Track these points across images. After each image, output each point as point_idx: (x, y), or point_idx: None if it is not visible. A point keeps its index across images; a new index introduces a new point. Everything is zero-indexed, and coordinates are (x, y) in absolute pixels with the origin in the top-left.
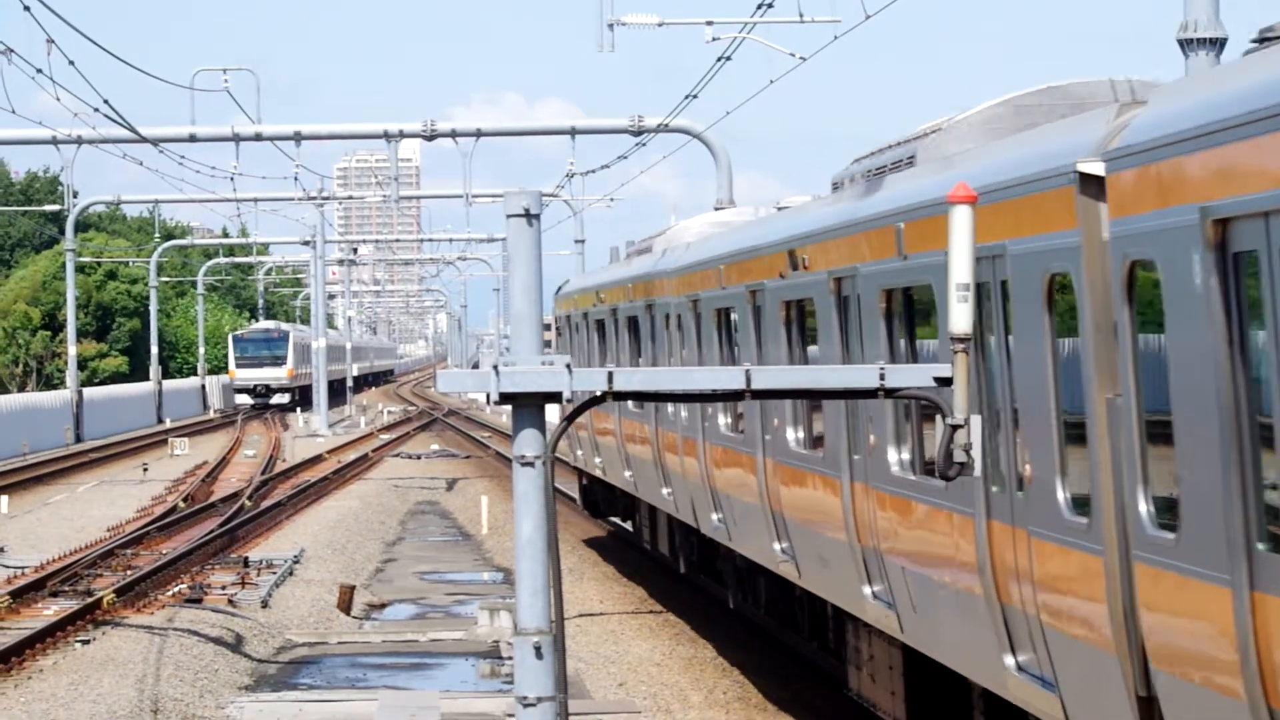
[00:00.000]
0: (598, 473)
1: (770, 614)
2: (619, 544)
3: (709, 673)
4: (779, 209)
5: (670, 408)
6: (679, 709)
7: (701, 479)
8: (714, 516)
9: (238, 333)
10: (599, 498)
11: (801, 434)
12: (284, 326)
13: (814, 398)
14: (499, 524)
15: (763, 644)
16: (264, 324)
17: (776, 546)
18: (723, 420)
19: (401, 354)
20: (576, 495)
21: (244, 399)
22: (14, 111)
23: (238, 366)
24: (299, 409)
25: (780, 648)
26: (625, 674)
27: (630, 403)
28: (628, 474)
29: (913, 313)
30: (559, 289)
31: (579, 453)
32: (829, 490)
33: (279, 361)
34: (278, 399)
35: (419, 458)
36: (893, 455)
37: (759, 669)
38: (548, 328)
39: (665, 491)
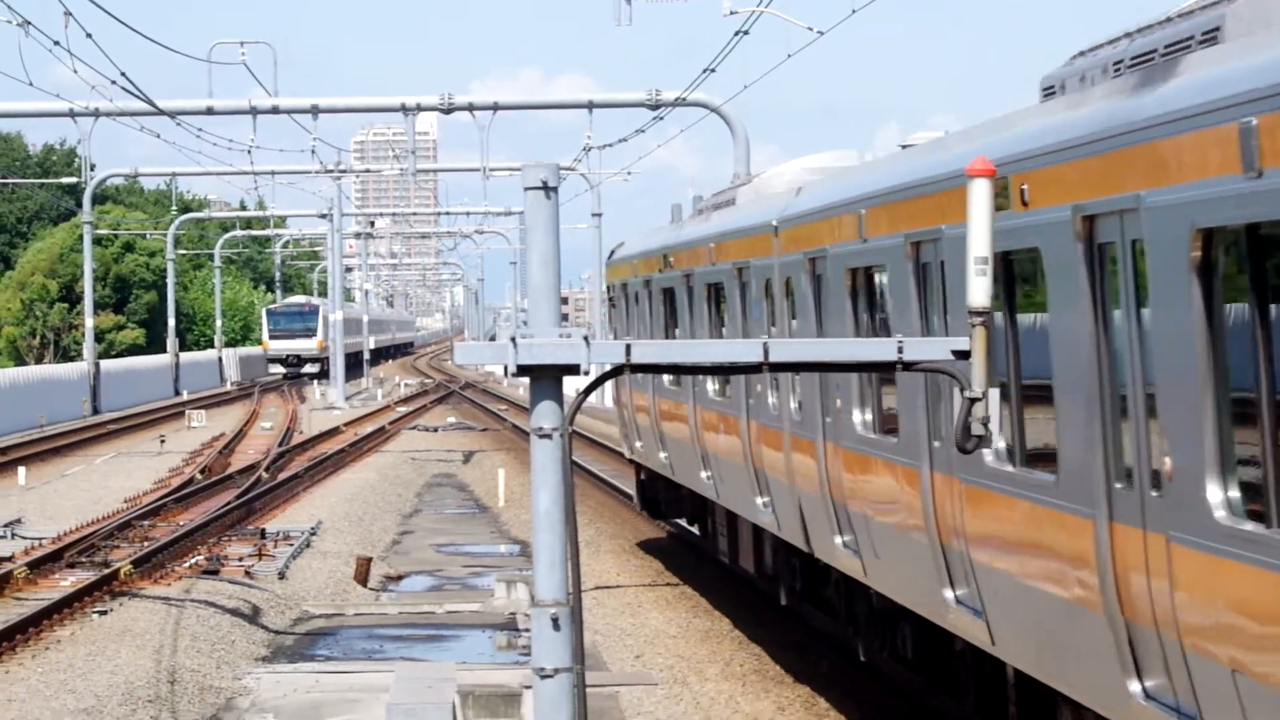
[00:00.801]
0: (664, 470)
1: (920, 670)
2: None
3: (726, 645)
4: (906, 147)
5: (772, 398)
6: (695, 681)
7: (820, 489)
8: (838, 540)
9: (271, 306)
10: (661, 496)
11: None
12: (314, 301)
13: (832, 370)
14: (515, 496)
15: (779, 618)
16: (296, 298)
17: (950, 593)
18: (859, 416)
19: (419, 327)
20: (633, 492)
21: (277, 368)
22: (31, 84)
23: (271, 338)
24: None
25: (798, 621)
26: (642, 646)
27: (711, 389)
28: (704, 474)
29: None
30: (611, 253)
31: (637, 444)
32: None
33: (310, 333)
34: (308, 369)
35: (436, 430)
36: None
37: (776, 642)
38: (565, 300)
39: (760, 501)
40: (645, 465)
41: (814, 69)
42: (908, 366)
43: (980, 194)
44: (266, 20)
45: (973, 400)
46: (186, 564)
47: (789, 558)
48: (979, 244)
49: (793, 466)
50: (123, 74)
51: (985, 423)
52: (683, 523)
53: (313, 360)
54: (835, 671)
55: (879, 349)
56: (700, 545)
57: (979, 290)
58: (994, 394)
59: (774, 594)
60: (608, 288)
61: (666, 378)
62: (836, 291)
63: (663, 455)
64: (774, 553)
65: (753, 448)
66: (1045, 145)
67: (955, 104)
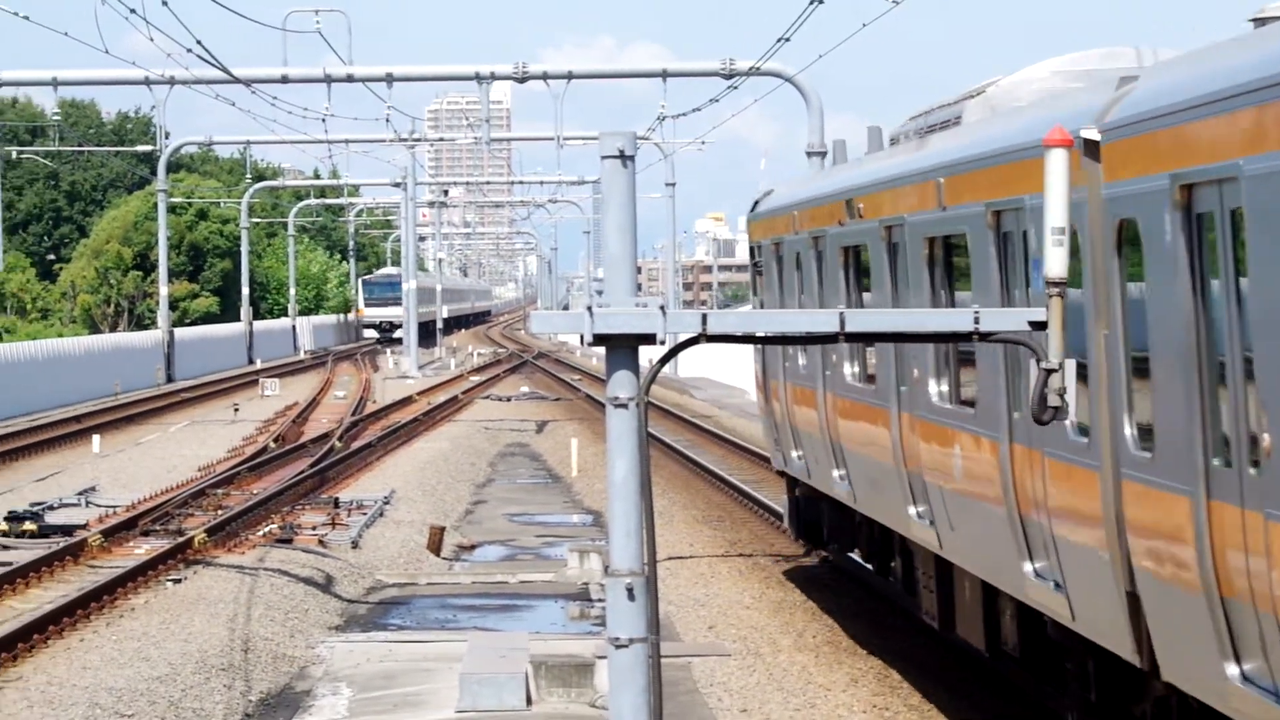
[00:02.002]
0: (841, 496)
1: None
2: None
3: (799, 616)
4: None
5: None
6: (768, 652)
7: (1107, 534)
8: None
9: (366, 277)
10: (826, 520)
11: None
12: (400, 273)
13: (908, 340)
14: (589, 466)
15: (853, 588)
16: (389, 269)
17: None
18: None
19: (495, 296)
20: (785, 513)
21: (371, 333)
22: (107, 52)
23: (366, 306)
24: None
25: (870, 593)
26: (715, 617)
27: (936, 395)
28: (914, 510)
29: None
30: (755, 205)
31: (794, 454)
32: None
33: (401, 301)
34: (400, 334)
35: (509, 400)
36: None
37: (849, 613)
38: (639, 270)
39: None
40: (809, 485)
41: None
42: (984, 337)
43: (1057, 164)
44: None
45: (1049, 371)
46: (260, 532)
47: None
48: (1056, 214)
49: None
50: (198, 42)
51: (1062, 394)
52: (857, 557)
53: (403, 326)
54: (906, 644)
55: (955, 319)
56: (873, 582)
57: (1056, 261)
58: (1070, 365)
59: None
60: (751, 249)
61: (851, 374)
62: (1155, 241)
63: (838, 474)
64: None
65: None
66: None
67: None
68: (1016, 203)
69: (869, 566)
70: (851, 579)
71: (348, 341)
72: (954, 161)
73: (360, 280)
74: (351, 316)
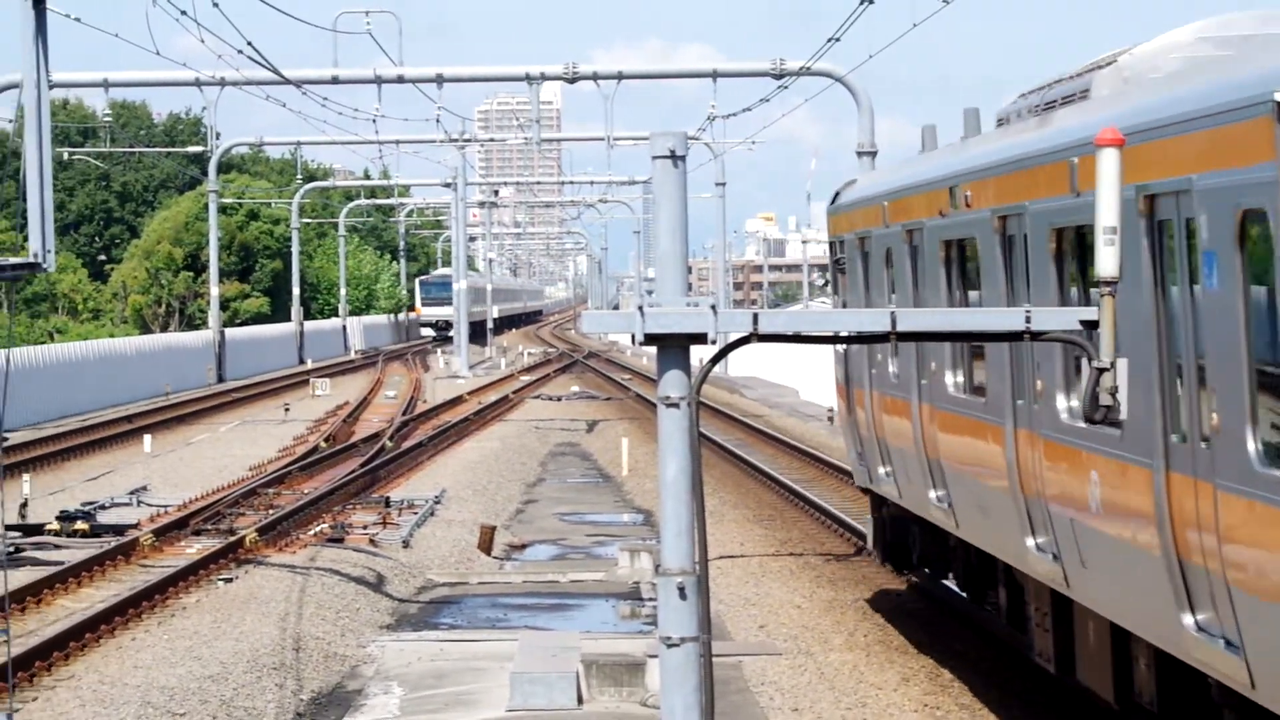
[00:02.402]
0: (941, 520)
1: None
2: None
3: (850, 616)
4: None
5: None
6: (819, 651)
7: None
8: None
9: (423, 277)
10: (917, 544)
11: None
12: (451, 273)
13: (958, 340)
14: (639, 466)
15: (904, 587)
16: (445, 270)
17: None
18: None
19: (546, 296)
20: (870, 533)
21: (427, 331)
22: (158, 53)
23: (423, 305)
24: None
25: (922, 591)
26: (766, 616)
27: (1065, 414)
28: (1032, 541)
29: None
30: (835, 197)
31: (881, 471)
32: None
33: (446, 301)
34: (454, 332)
35: (559, 399)
36: None
37: (900, 612)
38: (689, 270)
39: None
40: (899, 505)
41: (940, 39)
42: (1035, 336)
43: (1109, 163)
44: None
45: (1100, 370)
46: (311, 532)
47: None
48: (1107, 213)
49: None
50: (249, 43)
51: (1114, 393)
52: (952, 585)
53: (446, 325)
54: (962, 644)
55: (1006, 318)
56: (967, 613)
57: (1108, 259)
58: (1122, 364)
59: None
60: (831, 245)
61: (953, 385)
62: None
63: (935, 495)
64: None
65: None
66: None
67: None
68: (1181, 184)
69: (964, 595)
70: (900, 574)
71: (399, 341)
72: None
73: (417, 280)
74: (403, 316)
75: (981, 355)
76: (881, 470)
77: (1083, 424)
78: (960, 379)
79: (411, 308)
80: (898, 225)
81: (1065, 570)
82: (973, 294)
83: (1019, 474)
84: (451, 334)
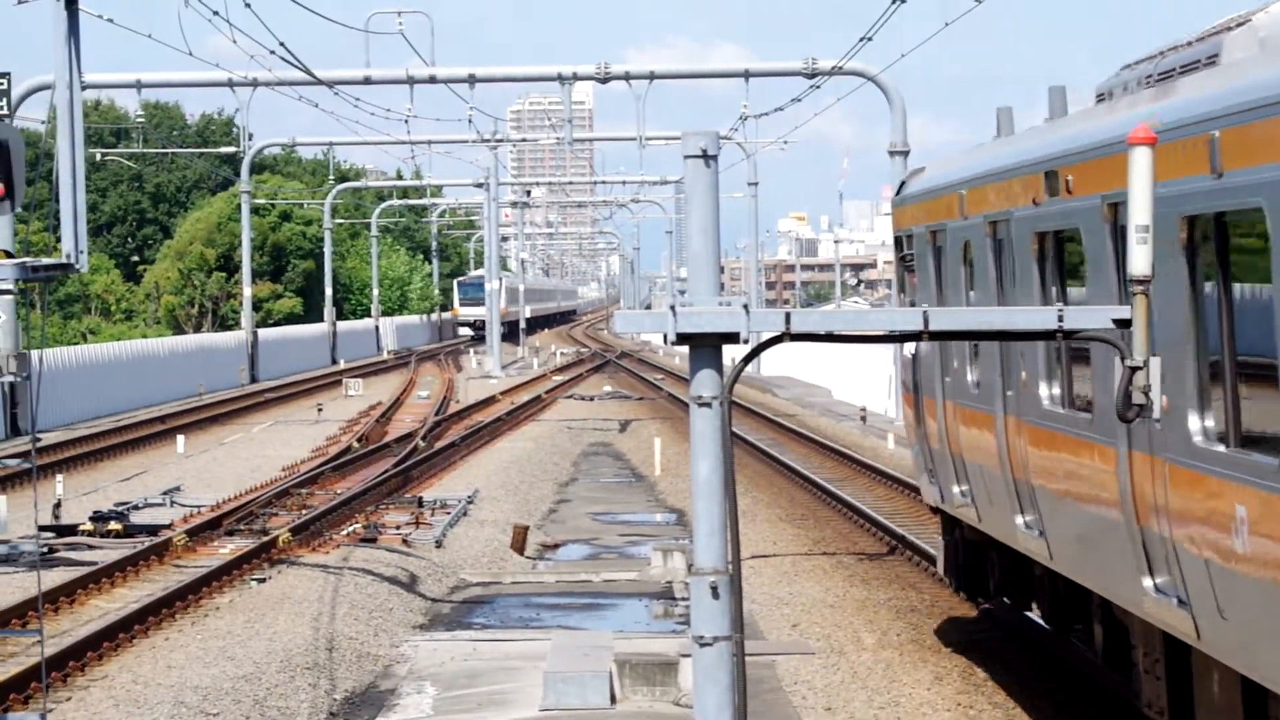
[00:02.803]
0: (1026, 547)
1: None
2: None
3: (883, 615)
4: None
5: None
6: (852, 650)
7: None
8: None
9: (461, 278)
10: (996, 570)
11: None
12: (500, 273)
13: (990, 339)
14: (671, 465)
15: (935, 587)
16: (481, 270)
17: None
18: None
19: (580, 296)
20: (940, 559)
21: (465, 330)
22: (191, 54)
23: (460, 305)
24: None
25: (950, 590)
26: (799, 615)
27: (1197, 442)
28: (1150, 582)
29: None
30: (900, 187)
31: (956, 490)
32: None
33: (482, 302)
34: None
35: (592, 399)
36: None
37: (932, 611)
38: (721, 270)
39: None
40: (978, 530)
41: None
42: (1068, 335)
43: (1142, 161)
44: None
45: (1134, 369)
46: (344, 532)
47: None
48: (1140, 212)
49: None
50: (281, 44)
51: (1147, 391)
52: (1035, 618)
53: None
54: (997, 644)
55: (1038, 317)
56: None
57: (1140, 258)
58: (1155, 363)
59: None
60: (897, 240)
61: (1049, 397)
62: None
63: (1023, 521)
64: None
65: None
66: None
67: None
68: None
69: (1048, 627)
70: (931, 574)
71: (432, 341)
72: (1253, 104)
73: (455, 281)
74: (435, 316)
75: (1085, 362)
76: (956, 490)
77: (1222, 449)
78: (1057, 390)
79: (446, 308)
80: (978, 216)
81: (1195, 619)
82: (1074, 291)
83: (1134, 504)
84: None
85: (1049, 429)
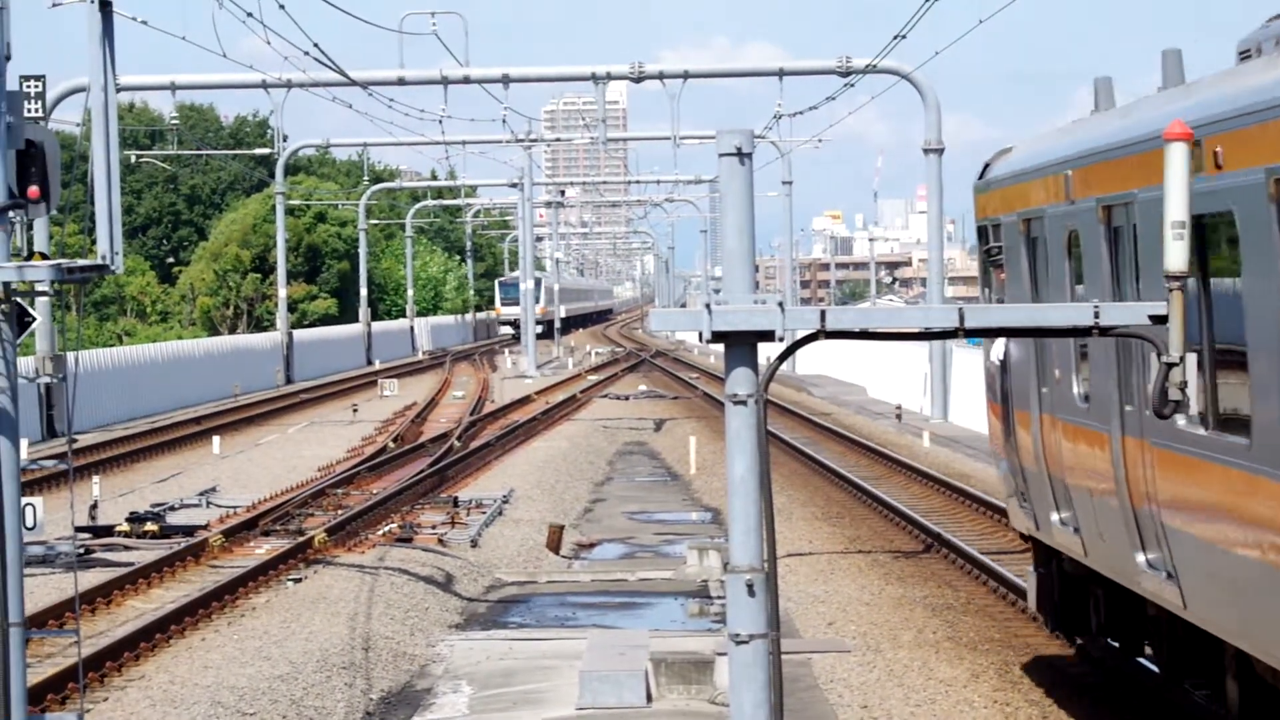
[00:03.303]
0: (1153, 592)
1: None
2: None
3: (919, 612)
4: None
5: None
6: (889, 648)
7: None
8: None
9: (502, 278)
10: (1100, 608)
11: None
12: (537, 274)
13: (1027, 335)
14: (707, 464)
15: (971, 584)
16: (515, 273)
17: None
18: None
19: (615, 295)
20: (1030, 589)
21: (506, 329)
22: (225, 55)
23: (502, 304)
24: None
25: (987, 588)
26: (834, 613)
27: None
28: None
29: None
30: (984, 170)
31: (1056, 517)
32: None
33: (539, 300)
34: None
35: (627, 399)
36: None
37: (968, 608)
38: (755, 269)
39: None
40: (1082, 564)
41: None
42: (1104, 332)
43: (1178, 158)
44: None
45: (1170, 365)
46: (380, 532)
47: None
48: (1176, 208)
49: None
50: (315, 45)
51: (1183, 387)
52: (1149, 664)
53: (536, 322)
54: (1027, 639)
55: (1074, 314)
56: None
57: (1176, 254)
58: (1191, 359)
59: None
60: (981, 230)
61: (1185, 418)
62: None
63: (1146, 560)
64: None
65: None
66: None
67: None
68: None
69: (1159, 672)
70: (968, 571)
71: (467, 341)
72: None
73: (497, 281)
74: (470, 316)
75: (1235, 372)
76: (1055, 517)
77: None
78: (1195, 409)
79: (480, 308)
80: (1088, 200)
81: None
82: (1220, 283)
83: None
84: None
85: (1186, 454)
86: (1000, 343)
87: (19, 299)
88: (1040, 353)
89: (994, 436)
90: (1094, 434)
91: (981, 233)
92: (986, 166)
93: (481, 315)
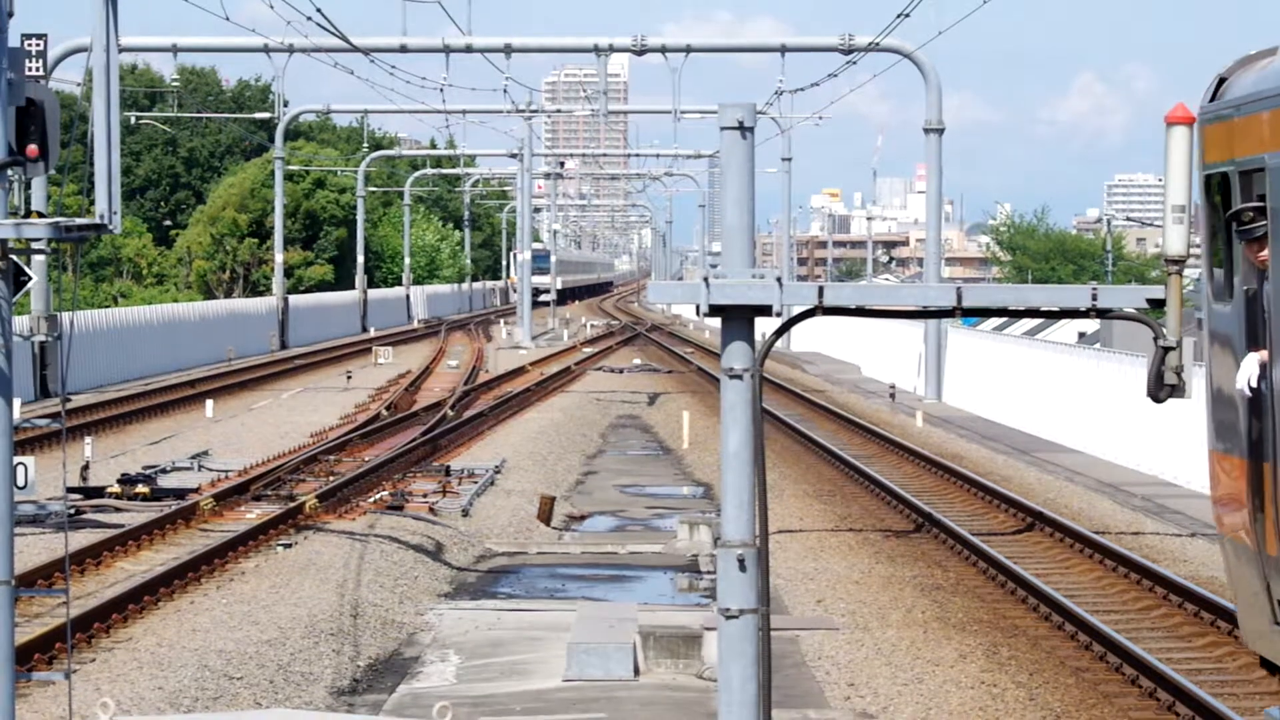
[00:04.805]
0: None
1: None
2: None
3: (908, 592)
4: None
5: None
6: (877, 626)
7: None
8: None
9: (516, 250)
10: None
11: None
12: (548, 246)
13: (1024, 316)
14: (699, 439)
15: (961, 564)
16: (536, 244)
17: None
18: None
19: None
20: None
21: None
22: (227, 19)
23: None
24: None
25: (976, 569)
26: (824, 590)
27: None
28: None
29: None
30: (1215, 91)
31: None
32: None
33: (544, 271)
34: (544, 298)
35: (621, 372)
36: None
37: (957, 588)
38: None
39: None
40: None
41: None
42: (1101, 314)
43: (1178, 142)
44: None
45: (1166, 349)
46: (371, 499)
47: None
48: (1176, 192)
49: None
50: (318, 10)
51: (1179, 371)
52: None
53: (545, 292)
54: (1015, 620)
55: (1072, 295)
56: None
57: (1175, 239)
58: (1188, 343)
59: None
60: (1209, 182)
61: None
62: None
63: None
64: None
65: None
66: None
67: (1153, 53)
68: None
69: None
70: (957, 551)
71: (462, 311)
72: None
73: (512, 254)
74: (467, 285)
75: None
76: None
77: None
78: None
79: (477, 277)
80: None
81: None
82: None
83: None
84: (541, 299)
85: None
86: (1253, 365)
87: (15, 257)
88: None
89: (1225, 503)
90: None
91: (1222, 184)
92: (1222, 82)
93: (479, 285)
